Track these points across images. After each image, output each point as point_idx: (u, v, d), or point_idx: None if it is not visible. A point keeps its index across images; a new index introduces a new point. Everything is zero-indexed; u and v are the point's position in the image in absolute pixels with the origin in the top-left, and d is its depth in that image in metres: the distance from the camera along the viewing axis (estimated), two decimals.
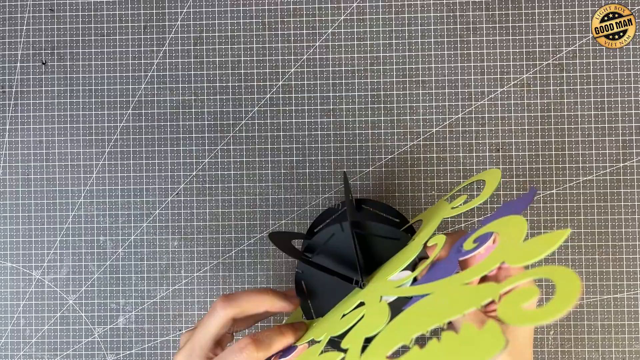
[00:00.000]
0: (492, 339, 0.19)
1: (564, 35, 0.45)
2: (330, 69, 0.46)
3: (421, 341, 0.22)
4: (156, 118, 0.47)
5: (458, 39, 0.46)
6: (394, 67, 0.46)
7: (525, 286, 0.22)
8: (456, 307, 0.22)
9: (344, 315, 0.31)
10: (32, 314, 0.47)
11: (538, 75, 0.45)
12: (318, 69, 0.46)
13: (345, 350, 0.27)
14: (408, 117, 0.46)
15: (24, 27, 0.47)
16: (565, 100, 0.45)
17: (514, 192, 0.45)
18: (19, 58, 0.47)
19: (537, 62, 0.45)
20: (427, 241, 0.32)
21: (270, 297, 0.33)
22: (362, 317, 0.29)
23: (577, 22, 0.45)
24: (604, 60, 0.45)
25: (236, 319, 0.33)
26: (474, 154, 0.45)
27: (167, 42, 0.47)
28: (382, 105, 0.46)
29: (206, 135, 0.47)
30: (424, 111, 0.46)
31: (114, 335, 0.46)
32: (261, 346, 0.31)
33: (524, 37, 0.45)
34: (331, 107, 0.46)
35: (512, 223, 0.27)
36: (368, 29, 0.46)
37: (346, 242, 0.36)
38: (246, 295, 0.33)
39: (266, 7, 0.47)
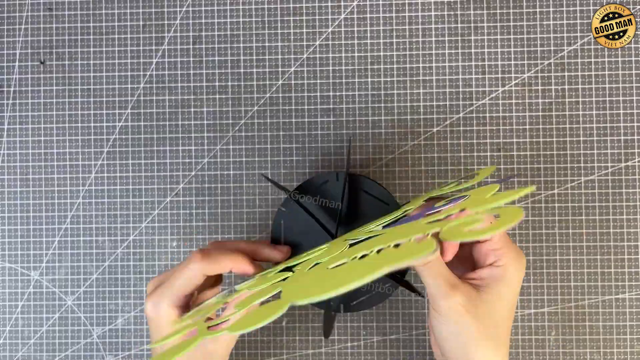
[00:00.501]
0: (425, 244, 0.20)
1: (565, 35, 0.45)
2: (331, 68, 0.46)
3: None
4: (155, 118, 0.46)
5: (459, 38, 0.46)
6: (395, 66, 0.46)
7: (471, 216, 0.22)
8: (404, 236, 0.23)
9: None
10: (31, 314, 0.47)
11: (539, 74, 0.45)
12: (318, 68, 0.46)
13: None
14: (409, 117, 0.46)
15: (22, 26, 0.47)
16: (566, 99, 0.45)
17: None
18: (17, 57, 0.47)
19: (539, 62, 0.45)
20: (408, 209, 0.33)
21: (247, 260, 0.33)
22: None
23: (578, 21, 0.45)
24: (606, 59, 0.45)
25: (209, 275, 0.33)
26: (475, 154, 0.45)
27: (166, 41, 0.47)
28: (382, 105, 0.46)
29: (205, 135, 0.46)
30: (424, 111, 0.46)
31: (113, 336, 0.46)
32: (209, 260, 0.32)
33: (525, 36, 0.45)
34: (331, 106, 0.46)
35: (484, 189, 0.28)
36: (368, 28, 0.46)
37: (337, 192, 0.37)
38: (223, 256, 0.33)
39: (265, 6, 0.46)
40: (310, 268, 0.28)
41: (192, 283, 0.32)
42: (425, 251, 0.20)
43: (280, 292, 0.25)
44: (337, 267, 0.23)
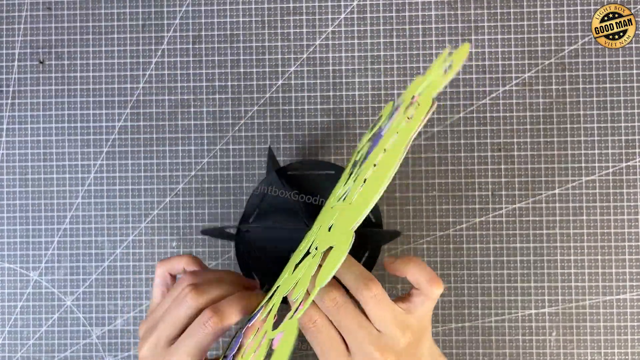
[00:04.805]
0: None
1: (565, 34, 0.45)
2: (331, 68, 0.46)
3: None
4: (154, 117, 0.46)
5: (459, 37, 0.45)
6: (395, 65, 0.46)
7: None
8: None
9: (296, 267, 0.31)
10: (30, 315, 0.46)
11: (540, 74, 0.45)
12: (318, 68, 0.46)
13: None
14: None
15: (22, 26, 0.47)
16: (567, 99, 0.45)
17: (516, 192, 0.45)
18: (17, 57, 0.47)
19: (539, 61, 0.45)
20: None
21: (239, 287, 0.33)
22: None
23: (579, 21, 0.45)
24: (607, 59, 0.45)
25: None
26: (475, 154, 0.45)
27: (166, 40, 0.46)
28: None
29: (205, 134, 0.46)
30: None
31: (112, 337, 0.46)
32: (223, 316, 0.31)
33: (525, 35, 0.45)
34: (331, 106, 0.46)
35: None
36: (368, 28, 0.46)
37: (280, 195, 0.36)
38: (217, 286, 0.32)
39: (265, 6, 0.46)
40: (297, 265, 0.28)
41: (189, 320, 0.31)
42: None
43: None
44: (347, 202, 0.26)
